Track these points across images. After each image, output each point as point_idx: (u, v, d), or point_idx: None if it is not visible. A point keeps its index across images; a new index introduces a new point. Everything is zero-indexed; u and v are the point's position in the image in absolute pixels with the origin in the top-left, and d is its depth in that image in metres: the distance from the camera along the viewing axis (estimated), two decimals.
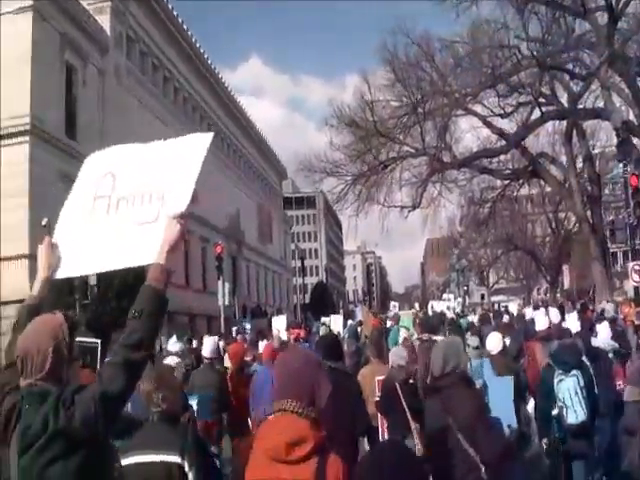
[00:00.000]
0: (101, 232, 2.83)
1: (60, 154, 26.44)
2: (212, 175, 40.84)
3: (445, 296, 52.35)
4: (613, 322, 11.65)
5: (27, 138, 25.00)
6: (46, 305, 2.71)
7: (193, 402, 6.12)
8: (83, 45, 29.63)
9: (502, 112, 28.86)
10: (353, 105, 31.00)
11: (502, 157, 32.68)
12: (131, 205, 2.83)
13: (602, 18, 22.09)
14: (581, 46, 23.15)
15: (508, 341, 8.97)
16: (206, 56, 45.54)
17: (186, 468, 3.28)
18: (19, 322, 2.61)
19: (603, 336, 7.93)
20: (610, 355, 7.44)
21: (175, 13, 40.25)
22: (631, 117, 20.67)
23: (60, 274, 2.87)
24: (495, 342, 7.29)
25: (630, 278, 17.68)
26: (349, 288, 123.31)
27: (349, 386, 5.22)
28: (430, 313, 32.39)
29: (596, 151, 33.13)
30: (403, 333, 11.60)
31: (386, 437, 6.70)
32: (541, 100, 27.78)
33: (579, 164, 31.26)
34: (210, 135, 2.95)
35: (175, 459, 3.28)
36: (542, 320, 8.81)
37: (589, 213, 28.69)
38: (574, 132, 29.54)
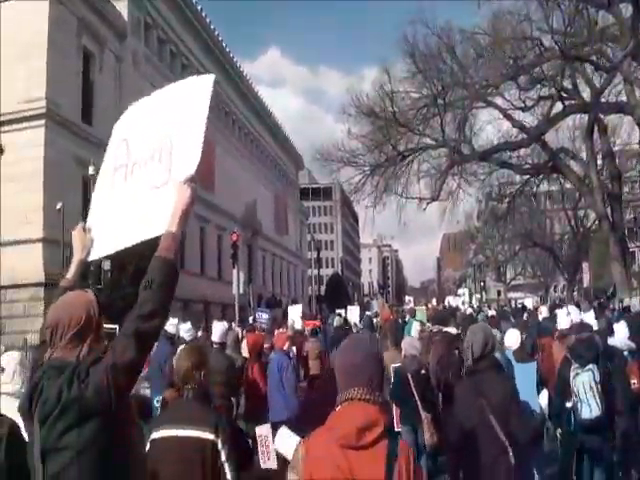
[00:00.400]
0: (122, 204, 2.87)
1: (75, 139, 26.46)
2: (229, 164, 40.69)
3: (460, 291, 52.13)
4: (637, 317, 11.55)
5: (43, 122, 24.91)
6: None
7: None
8: (101, 30, 29.58)
9: (523, 105, 28.46)
10: (372, 95, 30.70)
11: (522, 152, 32.40)
12: (144, 167, 2.84)
13: (626, 10, 21.58)
14: (604, 39, 22.64)
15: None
16: (225, 45, 45.30)
17: (219, 445, 3.39)
18: (53, 304, 2.63)
19: (620, 335, 7.80)
20: (625, 354, 7.33)
21: (194, 0, 40.09)
22: None
23: (93, 255, 2.94)
24: (514, 338, 7.30)
25: None
26: (364, 281, 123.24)
27: None
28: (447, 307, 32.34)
29: (617, 148, 32.57)
30: (417, 326, 11.74)
31: (399, 427, 6.73)
32: (562, 94, 27.31)
33: (599, 161, 30.75)
34: (212, 77, 2.86)
35: (209, 436, 3.39)
36: (564, 319, 8.68)
37: (609, 211, 28.17)
38: (595, 128, 29.04)
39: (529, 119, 29.39)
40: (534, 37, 24.73)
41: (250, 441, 5.00)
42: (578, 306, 19.47)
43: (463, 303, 34.52)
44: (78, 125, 27.03)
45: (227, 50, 46.04)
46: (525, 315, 18.89)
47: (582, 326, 7.02)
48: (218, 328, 8.33)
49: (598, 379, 5.68)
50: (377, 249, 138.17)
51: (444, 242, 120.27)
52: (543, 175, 33.46)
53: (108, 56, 30.33)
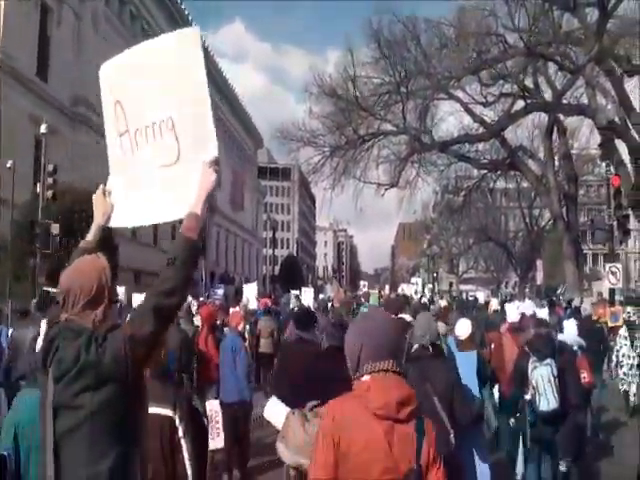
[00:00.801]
0: (136, 178, 2.89)
1: (29, 95, 25.54)
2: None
3: (414, 280, 52.58)
4: (589, 319, 11.94)
5: None
6: None
7: None
8: None
9: (484, 101, 28.65)
10: (335, 76, 30.46)
11: (481, 147, 32.85)
12: (146, 138, 2.82)
13: (591, 17, 21.76)
14: (569, 42, 22.80)
15: None
16: (187, 12, 44.23)
17: (177, 422, 3.53)
18: (71, 264, 2.69)
19: (570, 332, 8.11)
20: (575, 348, 7.70)
21: None
22: (615, 118, 20.42)
23: (113, 223, 2.97)
24: (464, 328, 7.20)
25: (607, 279, 17.68)
26: (319, 264, 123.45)
27: (313, 355, 5.28)
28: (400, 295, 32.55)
29: (574, 151, 33.11)
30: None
31: None
32: (524, 93, 27.52)
33: (557, 162, 31.22)
34: (196, 30, 2.73)
35: (168, 412, 3.52)
36: (514, 312, 8.96)
37: (564, 211, 28.65)
38: (555, 129, 29.44)
39: (490, 115, 29.67)
40: (498, 33, 24.81)
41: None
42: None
43: (416, 292, 34.89)
44: (33, 81, 26.00)
45: (189, 18, 44.90)
46: (474, 310, 19.09)
47: (539, 322, 7.36)
48: None
49: (555, 373, 6.00)
50: (333, 233, 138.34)
51: (399, 231, 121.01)
52: (500, 171, 33.89)
53: (67, 12, 29.40)
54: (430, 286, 55.41)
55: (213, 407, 5.94)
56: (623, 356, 10.88)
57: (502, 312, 12.24)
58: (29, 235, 20.82)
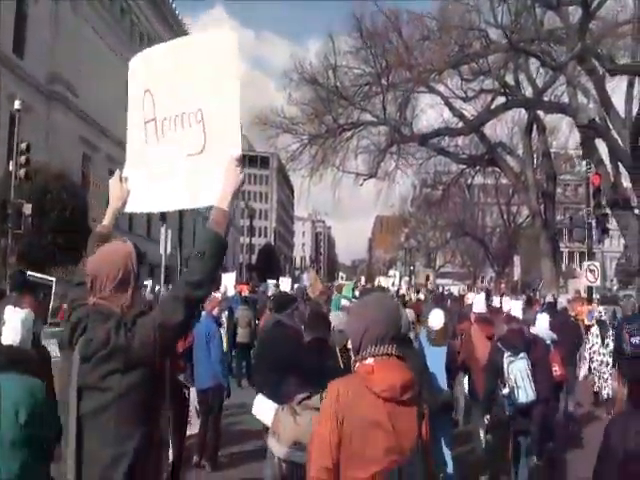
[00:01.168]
0: (158, 164, 2.99)
1: (5, 72, 24.82)
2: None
3: (391, 272, 52.68)
4: (564, 313, 12.08)
5: None
6: None
7: None
8: None
9: (464, 96, 28.57)
10: (316, 64, 30.19)
11: (460, 142, 32.93)
12: (174, 127, 2.94)
13: (574, 17, 21.78)
14: (552, 40, 22.81)
15: None
16: None
17: None
18: (88, 249, 2.85)
19: (542, 326, 8.22)
20: (548, 342, 7.79)
21: None
22: (596, 117, 20.53)
23: (129, 208, 3.08)
24: (438, 319, 7.39)
25: (585, 277, 17.81)
26: (297, 254, 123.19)
27: (295, 339, 5.31)
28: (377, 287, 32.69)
29: (553, 150, 33.28)
30: (344, 302, 11.80)
31: None
32: (505, 89, 27.54)
33: (535, 159, 31.34)
34: (234, 36, 2.84)
35: None
36: (481, 303, 9.05)
37: (542, 208, 28.82)
38: (534, 127, 29.54)
39: (470, 109, 29.69)
40: (481, 28, 24.77)
41: None
42: (503, 297, 19.97)
43: (393, 284, 35.02)
44: (8, 57, 25.36)
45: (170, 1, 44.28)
46: (449, 301, 19.16)
47: (511, 318, 7.43)
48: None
49: (530, 367, 6.22)
50: (311, 224, 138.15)
51: (377, 223, 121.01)
52: (479, 167, 33.96)
53: None
54: (407, 279, 55.53)
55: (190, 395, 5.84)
56: (594, 353, 11.24)
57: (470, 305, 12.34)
58: (0, 214, 20.35)
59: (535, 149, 30.93)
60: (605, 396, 11.01)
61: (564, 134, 33.63)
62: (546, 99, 26.67)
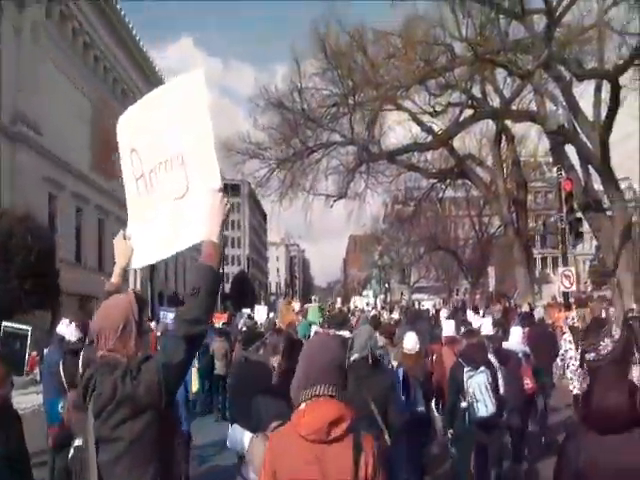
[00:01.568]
0: (153, 216, 3.09)
1: None
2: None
3: (365, 292, 52.50)
4: (541, 324, 12.66)
5: None
6: None
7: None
8: None
9: (432, 110, 28.57)
10: (282, 87, 29.97)
11: (430, 157, 32.96)
12: (159, 176, 3.04)
13: (538, 25, 21.91)
14: (518, 50, 22.94)
15: None
16: (131, 26, 43.08)
17: None
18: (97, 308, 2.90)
19: (514, 339, 8.47)
20: (520, 356, 8.09)
21: None
22: (565, 123, 20.65)
23: (134, 264, 3.23)
24: (411, 342, 7.66)
25: (560, 283, 17.81)
26: (272, 280, 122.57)
27: (264, 375, 5.36)
28: (352, 307, 32.84)
29: (522, 158, 33.57)
30: (315, 328, 12.06)
31: None
32: (472, 102, 27.62)
33: (505, 169, 31.48)
34: (200, 73, 2.89)
35: None
36: (450, 327, 9.35)
37: (514, 217, 28.92)
38: (503, 137, 29.73)
39: (438, 124, 29.65)
40: (446, 43, 24.84)
41: None
42: (476, 309, 19.95)
43: (367, 304, 34.91)
44: None
45: (134, 32, 43.77)
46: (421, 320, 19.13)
47: (470, 332, 7.80)
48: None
49: (490, 380, 6.40)
50: (285, 248, 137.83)
51: (350, 243, 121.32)
52: (450, 180, 34.03)
53: (6, 24, 28.10)
54: (382, 297, 55.44)
55: None
56: (570, 358, 11.26)
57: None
58: None
59: (504, 159, 31.11)
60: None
61: (533, 142, 33.90)
62: (514, 108, 26.84)
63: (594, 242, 38.45)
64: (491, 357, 7.22)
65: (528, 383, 7.85)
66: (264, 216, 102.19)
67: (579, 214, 21.39)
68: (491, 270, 36.48)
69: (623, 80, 18.69)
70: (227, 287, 62.81)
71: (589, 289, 45.24)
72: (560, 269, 19.66)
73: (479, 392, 6.33)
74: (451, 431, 6.88)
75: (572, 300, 19.66)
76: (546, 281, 47.93)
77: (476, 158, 32.40)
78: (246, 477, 3.83)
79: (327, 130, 29.39)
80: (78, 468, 2.71)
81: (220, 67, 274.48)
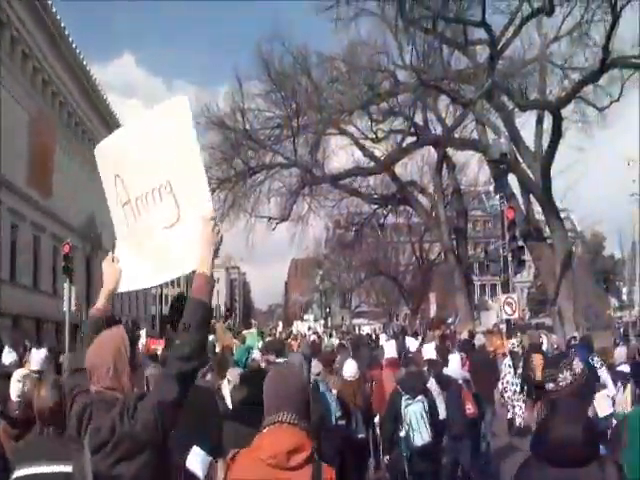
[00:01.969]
0: (141, 243, 3.09)
1: None
2: (71, 169, 37.72)
3: (306, 317, 52.12)
4: (482, 350, 12.58)
5: None
6: None
7: None
8: None
9: (374, 137, 28.68)
10: (224, 107, 29.58)
11: (372, 182, 33.08)
12: (148, 205, 3.00)
13: (481, 56, 22.31)
14: (460, 80, 23.28)
15: None
16: (71, 39, 41.77)
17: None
18: (84, 334, 3.05)
19: (454, 366, 8.45)
20: (460, 382, 8.13)
21: None
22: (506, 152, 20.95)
23: (122, 288, 3.23)
24: (351, 369, 7.76)
25: (502, 310, 17.91)
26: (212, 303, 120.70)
27: (208, 403, 5.15)
28: (295, 332, 32.52)
29: (463, 187, 34.05)
30: (256, 353, 11.79)
31: None
32: (414, 130, 27.88)
33: (446, 197, 31.85)
34: (185, 99, 2.91)
35: (63, 469, 3.34)
36: (391, 349, 9.47)
37: (455, 244, 29.15)
38: (444, 165, 30.07)
39: (381, 149, 29.85)
40: (389, 70, 25.01)
41: None
42: (416, 334, 19.89)
43: (309, 328, 34.72)
44: None
45: (74, 46, 42.43)
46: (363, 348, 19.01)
47: (409, 360, 7.97)
48: (37, 356, 7.49)
49: (427, 409, 6.43)
50: (225, 271, 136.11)
51: (292, 267, 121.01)
52: (391, 206, 34.22)
53: None
54: (323, 321, 55.22)
55: None
56: (507, 382, 11.80)
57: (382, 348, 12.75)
58: None
59: (445, 186, 31.46)
60: (518, 424, 11.45)
61: (473, 171, 34.42)
62: (456, 136, 27.18)
63: (532, 270, 39.27)
64: (432, 382, 7.34)
65: (470, 408, 7.89)
66: None
67: (521, 242, 21.65)
68: (432, 296, 36.72)
69: (565, 112, 19.12)
70: (165, 309, 61.20)
71: (527, 317, 46.04)
72: (501, 296, 19.79)
73: (415, 421, 6.37)
74: (387, 457, 6.97)
75: (512, 325, 19.85)
76: (485, 308, 48.58)
77: (418, 185, 32.66)
78: None
79: (270, 152, 29.19)
80: None
81: (163, 87, 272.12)
